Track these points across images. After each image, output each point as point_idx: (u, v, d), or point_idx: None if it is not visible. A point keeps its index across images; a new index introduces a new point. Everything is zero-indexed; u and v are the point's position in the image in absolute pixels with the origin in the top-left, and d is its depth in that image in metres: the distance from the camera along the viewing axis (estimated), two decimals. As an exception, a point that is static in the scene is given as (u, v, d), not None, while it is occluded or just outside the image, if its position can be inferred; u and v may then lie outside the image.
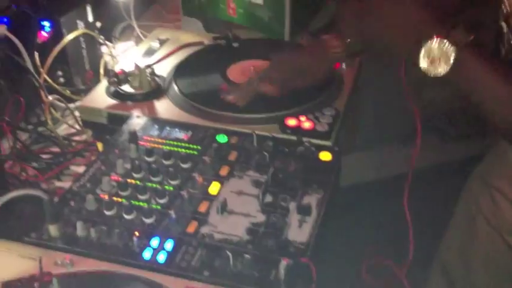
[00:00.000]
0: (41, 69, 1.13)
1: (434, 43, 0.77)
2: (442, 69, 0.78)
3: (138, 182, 0.90)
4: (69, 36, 1.17)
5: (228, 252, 0.76)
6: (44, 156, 1.04)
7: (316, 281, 0.74)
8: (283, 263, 0.74)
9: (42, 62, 1.14)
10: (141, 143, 0.98)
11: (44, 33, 1.15)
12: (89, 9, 1.22)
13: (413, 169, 1.03)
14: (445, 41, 0.77)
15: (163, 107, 1.09)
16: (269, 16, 1.32)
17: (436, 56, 0.78)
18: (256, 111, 1.05)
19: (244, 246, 0.79)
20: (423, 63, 0.79)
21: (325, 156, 0.95)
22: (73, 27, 1.19)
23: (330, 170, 0.93)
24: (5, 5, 0.77)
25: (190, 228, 0.82)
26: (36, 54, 1.12)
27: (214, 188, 0.89)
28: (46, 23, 1.15)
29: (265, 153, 0.94)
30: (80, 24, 1.21)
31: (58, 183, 0.98)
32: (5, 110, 1.03)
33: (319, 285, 0.74)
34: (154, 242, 0.79)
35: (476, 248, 1.08)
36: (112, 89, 1.11)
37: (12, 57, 1.04)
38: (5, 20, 1.05)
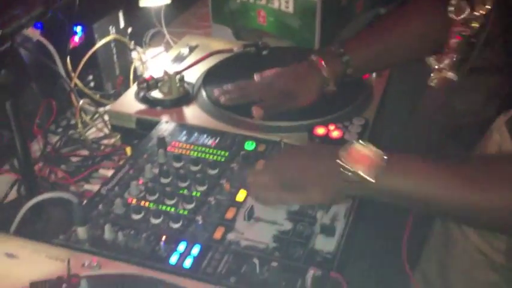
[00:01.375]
0: (72, 74, 1.14)
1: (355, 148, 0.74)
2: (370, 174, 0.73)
3: (166, 187, 0.90)
4: (101, 42, 1.19)
5: (254, 260, 0.76)
6: (73, 159, 1.05)
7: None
8: (311, 272, 0.73)
9: (74, 66, 1.15)
10: (170, 148, 0.98)
11: (76, 39, 1.17)
12: (120, 15, 1.24)
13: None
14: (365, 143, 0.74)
15: (192, 113, 1.09)
16: (299, 25, 1.32)
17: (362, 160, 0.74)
18: (284, 119, 1.04)
19: (271, 253, 0.78)
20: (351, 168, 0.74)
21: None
22: (105, 33, 1.20)
23: (358, 179, 0.92)
24: (41, 11, 0.78)
25: (217, 235, 0.82)
26: (68, 59, 1.14)
27: (241, 195, 0.89)
28: (78, 29, 1.17)
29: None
30: (112, 30, 1.22)
31: (86, 186, 0.98)
32: (37, 113, 1.05)
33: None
34: (181, 246, 0.79)
35: (453, 259, 1.06)
36: (141, 94, 1.12)
37: (44, 61, 1.05)
38: (39, 25, 1.07)
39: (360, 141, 0.75)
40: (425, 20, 1.03)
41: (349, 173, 0.73)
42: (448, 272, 1.09)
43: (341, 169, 0.74)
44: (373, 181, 0.72)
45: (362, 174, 0.73)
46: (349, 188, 0.76)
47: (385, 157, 0.73)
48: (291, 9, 1.31)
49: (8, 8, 0.77)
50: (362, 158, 0.73)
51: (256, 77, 1.12)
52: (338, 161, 0.74)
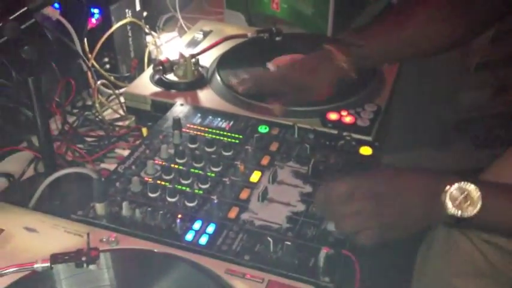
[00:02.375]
0: (90, 55, 1.16)
1: (454, 189, 0.74)
2: (470, 211, 0.74)
3: (181, 167, 0.92)
4: (118, 24, 1.20)
5: (268, 238, 0.77)
6: (89, 139, 1.07)
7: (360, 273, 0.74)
8: (323, 251, 0.75)
9: (90, 48, 1.16)
10: (185, 130, 1.00)
11: (93, 20, 1.18)
12: (137, -2, 1.25)
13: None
14: (463, 183, 0.74)
15: (206, 97, 1.11)
16: (313, 12, 1.33)
17: (462, 199, 0.74)
18: (298, 104, 1.06)
19: (284, 233, 0.80)
20: (451, 210, 0.74)
21: (366, 150, 0.96)
22: (121, 16, 1.22)
23: (370, 164, 0.93)
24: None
25: (232, 214, 0.83)
26: (85, 40, 1.15)
27: (255, 176, 0.90)
28: (96, 10, 1.18)
29: (306, 145, 0.95)
30: (128, 13, 1.23)
31: (103, 165, 1.00)
32: (53, 93, 1.06)
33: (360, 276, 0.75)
34: (197, 225, 0.81)
35: (455, 268, 1.06)
36: (157, 77, 1.14)
37: (63, 41, 1.07)
38: (57, 6, 1.08)
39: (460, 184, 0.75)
40: (438, 18, 1.02)
41: (449, 214, 0.74)
42: (448, 282, 1.08)
43: (443, 210, 0.74)
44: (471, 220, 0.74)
45: (460, 215, 0.74)
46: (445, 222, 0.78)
47: (481, 194, 0.74)
48: (304, -4, 1.32)
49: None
50: (462, 199, 0.74)
51: (271, 66, 1.12)
52: (443, 202, 0.74)
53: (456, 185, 0.74)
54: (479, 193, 0.74)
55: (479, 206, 0.74)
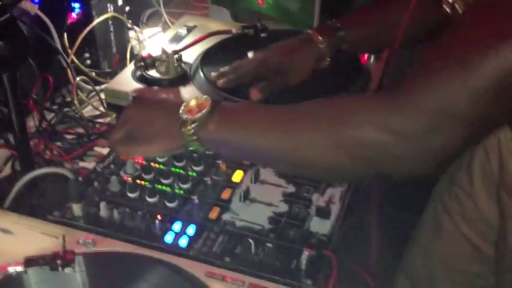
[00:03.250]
0: (69, 50, 1.13)
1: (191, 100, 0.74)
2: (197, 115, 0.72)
3: (161, 167, 0.90)
4: (99, 19, 1.17)
5: (249, 240, 0.76)
6: (68, 136, 1.05)
7: (337, 273, 0.73)
8: (306, 253, 0.73)
9: (71, 43, 1.14)
10: (166, 127, 0.97)
11: (73, 15, 1.15)
12: (119, -8, 1.22)
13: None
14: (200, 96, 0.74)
15: (189, 94, 1.08)
16: (298, 7, 1.31)
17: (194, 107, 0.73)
18: (281, 102, 1.04)
19: (266, 235, 0.79)
20: (182, 114, 0.73)
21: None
22: (103, 10, 1.19)
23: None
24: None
25: (213, 215, 0.82)
26: (65, 36, 1.13)
27: (237, 175, 0.89)
28: (76, 5, 1.16)
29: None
30: (110, 7, 1.21)
31: (81, 164, 0.98)
32: (31, 90, 1.04)
33: (339, 276, 0.74)
34: (177, 226, 0.79)
35: (440, 249, 1.07)
36: (138, 73, 1.11)
37: (41, 36, 1.04)
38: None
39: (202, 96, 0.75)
40: (421, 4, 1.02)
41: (185, 126, 0.72)
42: (433, 263, 1.09)
43: (179, 120, 0.73)
44: (203, 131, 0.71)
45: (192, 124, 0.72)
46: (187, 140, 0.73)
47: (215, 107, 0.72)
48: (290, -8, 1.30)
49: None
50: (195, 109, 0.73)
51: (250, 54, 1.11)
52: (178, 112, 0.73)
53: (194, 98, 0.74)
54: (209, 101, 0.72)
55: (205, 111, 0.71)
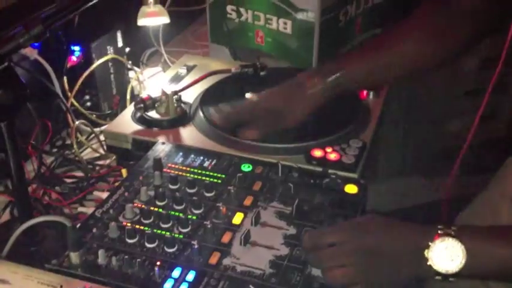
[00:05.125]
0: (69, 94, 1.13)
1: (437, 244, 0.74)
2: (456, 267, 0.74)
3: (161, 210, 0.89)
4: (99, 61, 1.18)
5: (251, 286, 0.74)
6: (68, 180, 1.04)
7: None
8: (308, 299, 0.72)
9: (71, 85, 1.14)
10: (166, 170, 0.97)
11: (73, 58, 1.16)
12: (119, 34, 1.23)
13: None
14: (445, 238, 0.74)
15: (189, 134, 1.08)
16: (297, 46, 1.32)
17: (446, 255, 0.74)
18: (282, 141, 1.03)
19: (267, 280, 0.77)
20: (436, 267, 0.75)
21: (351, 189, 0.93)
22: (103, 53, 1.20)
23: (355, 203, 0.91)
24: (39, 31, 0.77)
25: (213, 260, 0.80)
26: (65, 79, 1.13)
27: (237, 218, 0.88)
28: (76, 48, 1.16)
29: (290, 184, 0.93)
30: (110, 49, 1.22)
31: (80, 209, 0.97)
32: (31, 134, 1.04)
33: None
34: (176, 272, 0.78)
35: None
36: (138, 114, 1.12)
37: (41, 81, 1.05)
38: (36, 44, 1.06)
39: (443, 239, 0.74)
40: (418, 40, 1.02)
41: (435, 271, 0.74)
42: None
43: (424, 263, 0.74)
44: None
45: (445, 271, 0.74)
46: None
47: (464, 247, 0.74)
48: (289, 30, 1.31)
49: (6, 27, 0.76)
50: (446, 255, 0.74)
51: (248, 95, 1.12)
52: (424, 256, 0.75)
53: (438, 240, 0.74)
54: (462, 247, 0.73)
55: (464, 261, 0.73)
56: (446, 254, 0.73)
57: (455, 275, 0.74)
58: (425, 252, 0.74)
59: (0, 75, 0.77)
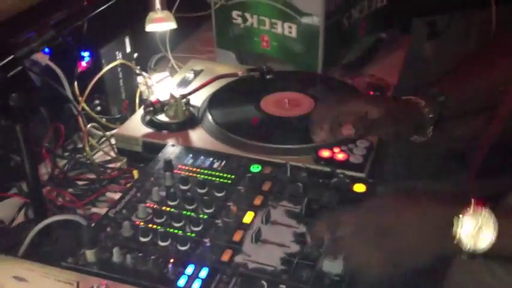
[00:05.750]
0: (80, 98, 1.16)
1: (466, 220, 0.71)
2: (485, 244, 0.71)
3: (173, 210, 0.90)
4: (108, 66, 1.20)
5: (263, 282, 0.76)
6: (80, 182, 1.06)
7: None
8: (319, 294, 0.73)
9: (81, 91, 1.16)
10: (176, 171, 0.99)
11: (83, 63, 1.18)
12: (127, 40, 1.26)
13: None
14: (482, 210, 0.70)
15: (198, 137, 1.10)
16: (302, 49, 1.34)
17: (475, 232, 0.70)
18: (290, 142, 1.05)
19: (279, 276, 0.79)
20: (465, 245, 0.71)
21: (359, 188, 0.95)
22: (112, 58, 1.22)
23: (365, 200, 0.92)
24: (52, 36, 0.80)
25: (225, 257, 0.82)
26: (75, 84, 1.15)
27: (248, 217, 0.89)
28: (86, 54, 1.19)
29: (299, 184, 0.94)
30: (118, 55, 1.24)
31: (93, 209, 0.99)
32: (43, 138, 1.06)
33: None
34: (189, 269, 0.80)
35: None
36: (148, 118, 1.14)
37: (53, 85, 1.07)
38: (47, 50, 1.08)
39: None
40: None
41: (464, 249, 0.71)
42: None
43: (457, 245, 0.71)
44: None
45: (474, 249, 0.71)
46: None
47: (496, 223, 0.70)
48: (294, 34, 1.33)
49: (20, 31, 0.79)
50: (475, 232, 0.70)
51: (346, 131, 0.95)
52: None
53: (468, 215, 0.71)
54: (493, 224, 0.70)
55: (494, 237, 0.70)
56: (475, 231, 0.70)
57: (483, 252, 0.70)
58: (453, 229, 0.71)
59: (14, 79, 0.79)
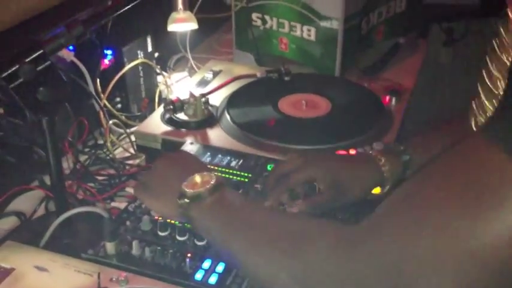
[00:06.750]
0: (102, 95, 1.18)
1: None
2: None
3: (191, 206, 0.92)
4: (130, 65, 1.23)
5: (278, 278, 0.77)
6: (100, 177, 1.08)
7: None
8: None
9: (103, 88, 1.19)
10: (195, 168, 1.00)
11: (106, 61, 1.21)
12: (149, 40, 1.28)
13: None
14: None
15: (216, 135, 1.12)
16: (321, 52, 1.35)
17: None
18: (306, 142, 1.07)
19: (293, 273, 0.80)
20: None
21: (375, 189, 0.96)
22: (133, 57, 1.24)
23: (380, 203, 0.93)
24: (80, 31, 0.82)
25: (241, 253, 0.83)
26: (98, 81, 1.18)
27: (264, 215, 0.91)
28: (109, 52, 1.21)
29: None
30: (140, 54, 1.26)
31: (113, 204, 1.01)
32: (68, 132, 1.08)
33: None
34: (206, 263, 0.81)
35: None
36: (167, 116, 1.16)
37: (76, 82, 1.09)
38: (72, 47, 1.11)
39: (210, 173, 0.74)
40: None
41: (181, 198, 0.73)
42: None
43: (180, 190, 0.74)
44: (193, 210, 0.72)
45: (185, 199, 0.72)
46: (178, 212, 0.74)
47: (214, 191, 0.72)
48: (313, 37, 1.35)
49: (50, 27, 0.81)
50: (197, 185, 0.73)
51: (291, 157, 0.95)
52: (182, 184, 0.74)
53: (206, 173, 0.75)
54: (212, 181, 0.73)
55: (201, 190, 0.73)
56: None
57: None
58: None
59: (43, 73, 0.81)
